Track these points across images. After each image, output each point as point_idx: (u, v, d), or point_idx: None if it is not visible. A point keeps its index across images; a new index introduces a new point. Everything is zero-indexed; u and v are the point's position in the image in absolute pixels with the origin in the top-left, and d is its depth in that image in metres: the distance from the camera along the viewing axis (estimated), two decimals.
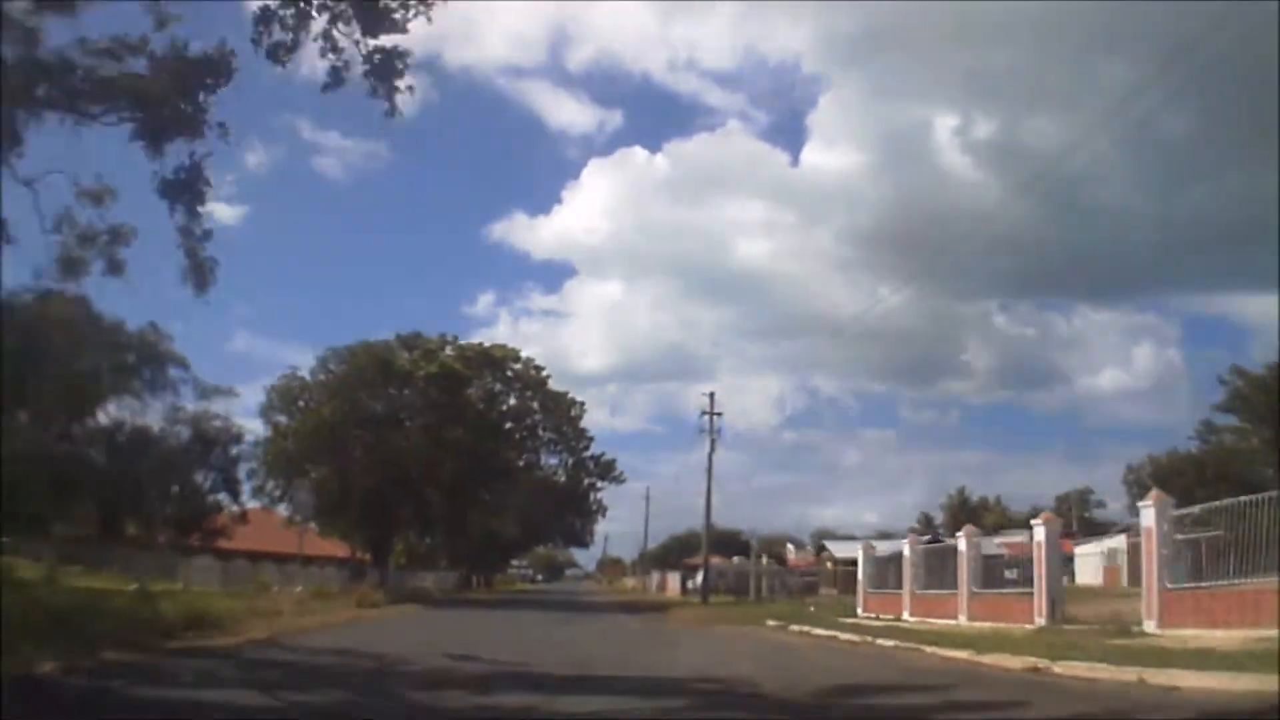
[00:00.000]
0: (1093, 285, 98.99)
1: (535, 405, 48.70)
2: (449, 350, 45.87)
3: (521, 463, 51.71)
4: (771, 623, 27.57)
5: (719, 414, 47.96)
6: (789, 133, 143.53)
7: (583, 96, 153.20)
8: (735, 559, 77.16)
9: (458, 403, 45.94)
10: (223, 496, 50.02)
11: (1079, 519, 79.38)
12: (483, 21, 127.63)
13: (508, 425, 49.26)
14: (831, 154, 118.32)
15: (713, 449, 50.34)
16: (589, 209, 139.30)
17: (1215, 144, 77.72)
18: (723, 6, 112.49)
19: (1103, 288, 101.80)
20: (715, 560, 77.71)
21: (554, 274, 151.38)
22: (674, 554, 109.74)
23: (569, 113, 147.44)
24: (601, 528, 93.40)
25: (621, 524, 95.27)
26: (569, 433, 50.48)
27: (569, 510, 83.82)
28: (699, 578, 70.37)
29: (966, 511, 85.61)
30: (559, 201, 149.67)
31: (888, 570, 29.85)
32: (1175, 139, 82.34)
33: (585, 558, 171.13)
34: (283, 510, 50.87)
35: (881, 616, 28.46)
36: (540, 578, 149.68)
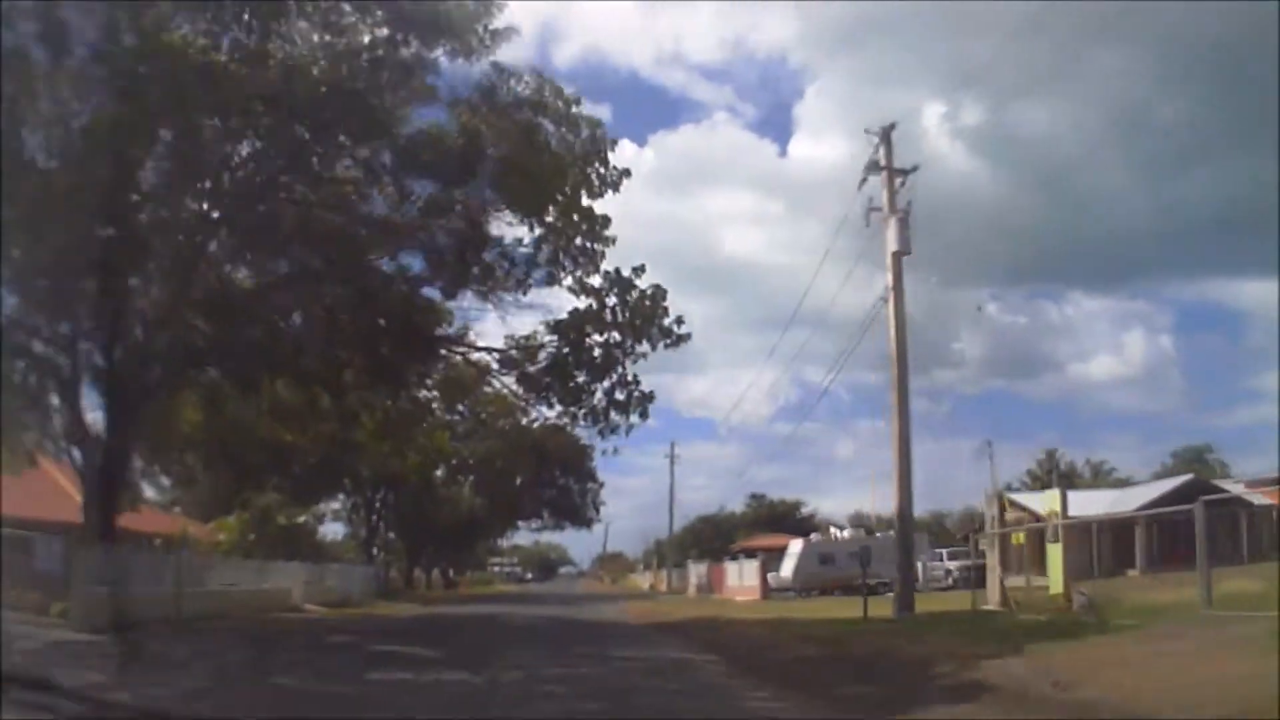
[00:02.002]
0: (1084, 272, 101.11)
1: (480, 124, 18.40)
2: None
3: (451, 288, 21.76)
4: None
5: None
6: (776, 125, 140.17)
7: (570, 91, 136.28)
8: (825, 533, 47.60)
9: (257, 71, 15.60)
10: None
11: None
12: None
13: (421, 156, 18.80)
14: (820, 144, 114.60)
15: (903, 249, 20.72)
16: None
17: (1207, 128, 74.45)
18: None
19: (1094, 275, 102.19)
20: (784, 541, 48.06)
21: None
22: (701, 540, 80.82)
23: None
24: (608, 499, 63.73)
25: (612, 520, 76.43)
26: (557, 225, 20.36)
27: (559, 460, 53.87)
28: (786, 567, 40.83)
29: (1058, 479, 62.09)
30: None
31: None
32: (1167, 124, 79.84)
33: (578, 550, 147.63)
34: None
35: None
36: (530, 576, 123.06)
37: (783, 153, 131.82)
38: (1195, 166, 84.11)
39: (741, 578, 42.38)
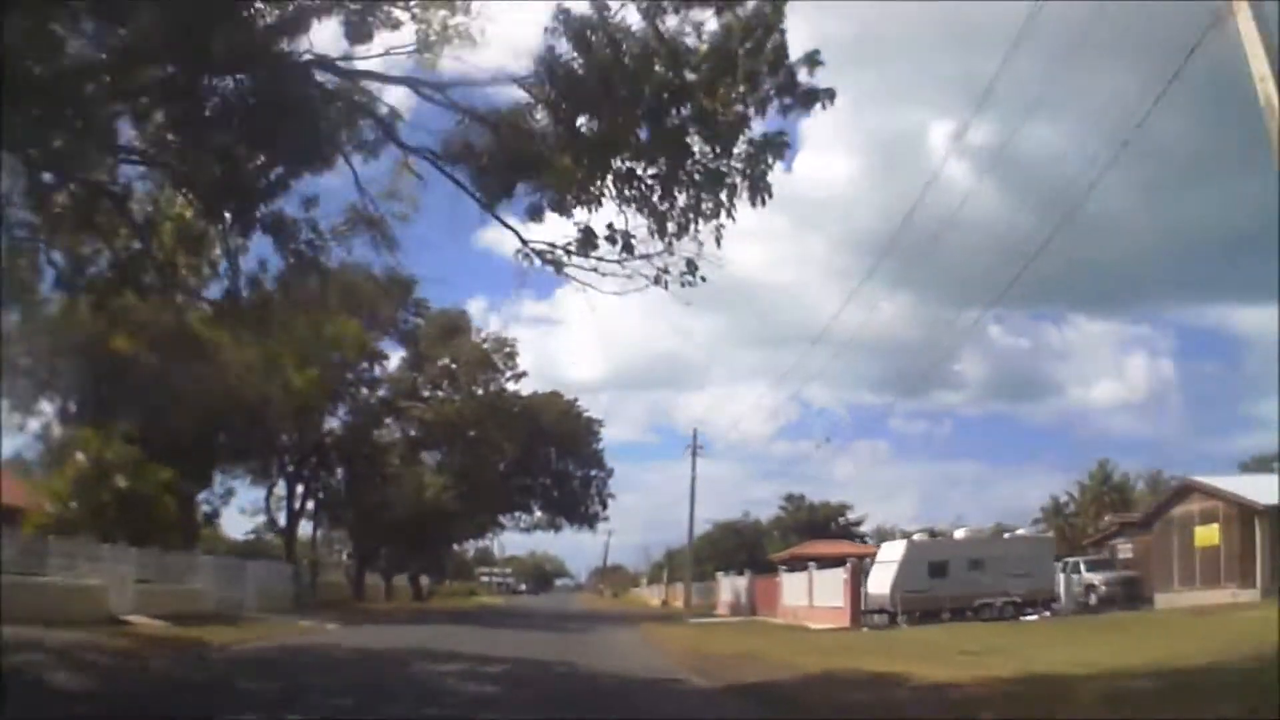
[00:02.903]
0: (1086, 295, 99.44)
1: None
2: None
3: None
4: None
5: None
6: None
7: None
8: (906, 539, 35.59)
9: None
10: None
11: None
12: (475, 30, 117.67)
13: None
14: (825, 161, 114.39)
15: None
16: (581, 215, 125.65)
17: (1211, 152, 71.28)
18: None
19: (1096, 298, 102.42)
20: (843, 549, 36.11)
21: (545, 280, 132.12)
22: (723, 551, 68.57)
23: None
24: (612, 510, 51.08)
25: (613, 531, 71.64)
26: None
27: (557, 437, 42.17)
28: (878, 581, 28.20)
29: (1112, 491, 58.26)
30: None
31: None
32: (1171, 146, 72.58)
33: (574, 562, 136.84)
34: None
35: None
36: (524, 588, 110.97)
37: (788, 169, 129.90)
38: (1199, 189, 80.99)
39: (812, 595, 30.03)
